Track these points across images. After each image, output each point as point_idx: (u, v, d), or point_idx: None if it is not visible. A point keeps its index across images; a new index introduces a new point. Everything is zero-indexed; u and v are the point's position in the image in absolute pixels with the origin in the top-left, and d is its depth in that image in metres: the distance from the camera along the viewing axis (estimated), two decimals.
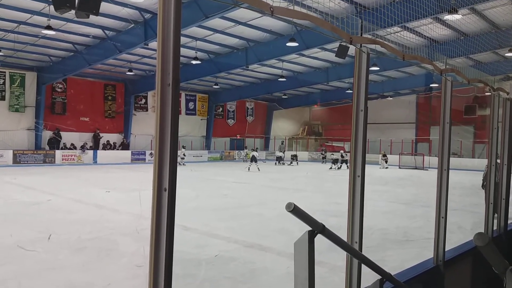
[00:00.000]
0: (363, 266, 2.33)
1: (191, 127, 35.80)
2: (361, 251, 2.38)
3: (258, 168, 25.13)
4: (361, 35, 2.75)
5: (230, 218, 9.88)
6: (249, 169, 25.07)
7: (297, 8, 2.32)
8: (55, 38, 19.99)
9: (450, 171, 3.37)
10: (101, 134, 30.34)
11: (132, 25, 18.09)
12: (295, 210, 1.59)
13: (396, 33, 15.16)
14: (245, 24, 18.56)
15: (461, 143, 31.62)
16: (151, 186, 1.38)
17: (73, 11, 7.96)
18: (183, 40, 19.81)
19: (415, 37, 18.51)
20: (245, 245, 7.47)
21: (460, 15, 14.86)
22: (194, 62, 22.35)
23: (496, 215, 4.67)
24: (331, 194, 14.41)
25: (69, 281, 5.41)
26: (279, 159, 33.33)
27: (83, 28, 18.60)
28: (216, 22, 17.70)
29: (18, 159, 25.57)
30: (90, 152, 28.94)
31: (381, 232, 8.55)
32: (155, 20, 16.38)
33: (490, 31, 18.36)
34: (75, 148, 28.67)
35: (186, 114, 36.05)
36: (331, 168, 28.97)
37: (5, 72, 26.18)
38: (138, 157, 31.07)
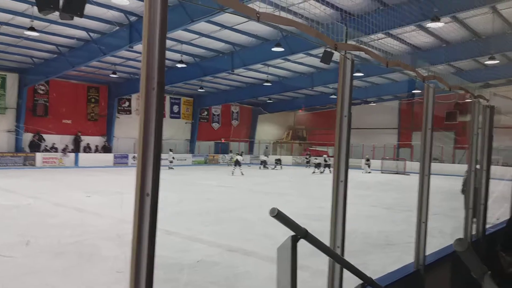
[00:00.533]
0: (345, 270, 2.34)
1: (175, 130, 35.57)
2: (343, 256, 2.40)
3: (241, 172, 25.14)
4: (346, 41, 2.79)
5: (213, 222, 9.84)
6: (233, 173, 25.05)
7: (283, 14, 2.34)
8: (38, 40, 19.67)
9: (431, 176, 3.42)
10: (82, 137, 29.93)
11: (117, 27, 17.94)
12: (279, 216, 1.60)
13: (380, 40, 15.36)
14: (231, 28, 18.57)
15: (442, 149, 32.15)
16: (134, 190, 1.37)
17: (57, 13, 7.85)
18: (168, 43, 19.73)
19: (398, 44, 18.79)
20: (229, 249, 7.45)
21: (443, 23, 15.16)
22: (179, 65, 22.25)
23: (475, 219, 4.75)
24: (315, 198, 14.48)
25: (49, 286, 5.31)
26: (264, 163, 33.46)
27: (67, 30, 18.34)
28: (202, 26, 17.67)
29: None
30: (72, 155, 28.50)
31: (364, 236, 8.63)
32: (140, 23, 16.27)
33: (471, 39, 18.77)
34: (56, 150, 28.20)
35: (171, 117, 35.83)
36: (314, 172, 29.17)
37: None
38: (120, 161, 30.72)
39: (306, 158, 36.66)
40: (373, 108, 37.40)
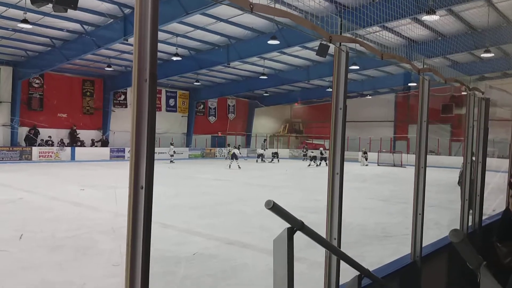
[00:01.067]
0: (342, 262, 2.35)
1: (171, 124, 35.49)
2: (340, 248, 2.40)
3: (238, 165, 25.16)
4: (341, 34, 2.77)
5: (210, 215, 9.85)
6: (230, 167, 25.07)
7: (277, 5, 2.32)
8: (31, 32, 19.50)
9: (427, 168, 3.43)
10: (78, 131, 29.80)
11: (111, 20, 17.80)
12: (275, 208, 1.59)
13: (376, 33, 15.30)
14: (226, 21, 18.46)
15: (438, 141, 32.25)
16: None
17: (50, 5, 7.78)
18: (163, 36, 19.59)
19: (394, 36, 18.74)
20: (226, 242, 7.46)
21: (438, 16, 15.13)
22: (174, 58, 22.10)
23: (471, 211, 4.78)
24: (311, 191, 14.51)
25: (45, 280, 5.30)
26: (261, 157, 33.49)
27: (61, 22, 18.17)
28: (197, 18, 17.55)
29: None
30: (68, 149, 28.41)
31: (360, 228, 8.67)
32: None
33: (467, 32, 18.76)
34: (52, 144, 28.08)
35: (167, 111, 35.73)
36: (309, 165, 29.23)
37: None
38: (117, 154, 30.66)
39: (303, 151, 36.70)
40: (369, 101, 37.43)
